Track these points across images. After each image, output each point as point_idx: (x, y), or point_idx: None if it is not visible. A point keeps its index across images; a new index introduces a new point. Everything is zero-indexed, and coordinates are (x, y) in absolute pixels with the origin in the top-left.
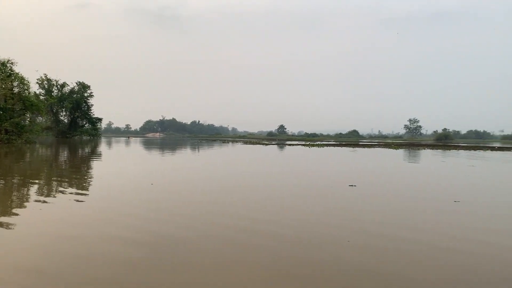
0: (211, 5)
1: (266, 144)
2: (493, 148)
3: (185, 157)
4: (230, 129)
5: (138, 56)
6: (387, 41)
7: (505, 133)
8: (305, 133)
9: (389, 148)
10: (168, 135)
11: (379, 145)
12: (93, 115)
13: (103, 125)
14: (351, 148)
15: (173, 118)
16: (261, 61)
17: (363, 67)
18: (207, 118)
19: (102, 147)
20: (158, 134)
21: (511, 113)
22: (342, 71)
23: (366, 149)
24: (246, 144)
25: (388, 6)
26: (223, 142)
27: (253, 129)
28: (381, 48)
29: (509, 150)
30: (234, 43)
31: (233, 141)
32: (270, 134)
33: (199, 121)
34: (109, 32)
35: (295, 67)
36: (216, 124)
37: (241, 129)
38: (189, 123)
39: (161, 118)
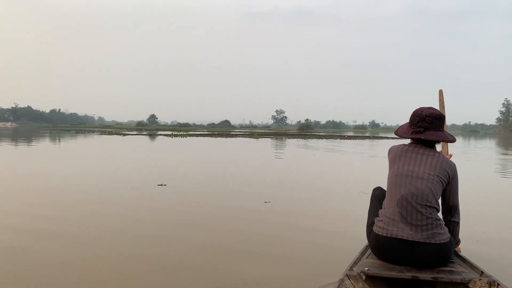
0: None
1: (125, 135)
2: (342, 137)
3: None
4: (96, 118)
5: None
6: (254, 35)
7: (357, 123)
8: (178, 123)
9: (250, 138)
10: (22, 125)
11: (244, 135)
12: None
13: None
14: (213, 138)
15: (28, 106)
16: (132, 49)
17: (234, 59)
18: (70, 106)
19: None
20: (10, 123)
21: (362, 106)
22: (215, 63)
23: (229, 138)
24: (103, 134)
25: (255, 1)
26: (78, 133)
27: (123, 118)
28: (250, 41)
29: (355, 139)
30: (99, 28)
31: (93, 132)
32: (140, 124)
33: (59, 110)
34: None
35: (169, 58)
36: (80, 113)
37: (109, 118)
38: (48, 111)
39: (14, 106)
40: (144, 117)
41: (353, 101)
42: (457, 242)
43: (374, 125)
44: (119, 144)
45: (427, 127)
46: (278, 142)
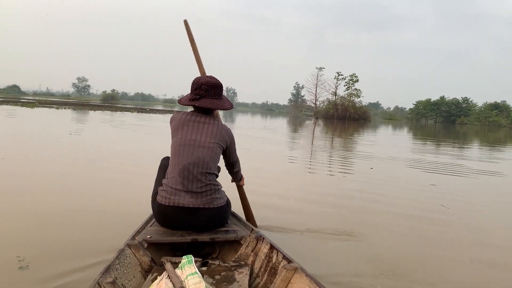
0: None
1: None
2: (143, 110)
3: None
4: None
5: None
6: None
7: (167, 97)
8: None
9: (23, 106)
10: None
11: (24, 104)
12: None
13: None
14: None
15: None
16: None
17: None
18: None
19: None
20: None
21: (172, 80)
22: None
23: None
24: None
25: None
26: None
27: None
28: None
29: (156, 113)
30: None
31: None
32: None
33: None
34: None
35: None
36: None
37: None
38: None
39: None
40: None
41: (163, 75)
42: (241, 178)
43: None
44: None
45: (203, 95)
46: (47, 112)
